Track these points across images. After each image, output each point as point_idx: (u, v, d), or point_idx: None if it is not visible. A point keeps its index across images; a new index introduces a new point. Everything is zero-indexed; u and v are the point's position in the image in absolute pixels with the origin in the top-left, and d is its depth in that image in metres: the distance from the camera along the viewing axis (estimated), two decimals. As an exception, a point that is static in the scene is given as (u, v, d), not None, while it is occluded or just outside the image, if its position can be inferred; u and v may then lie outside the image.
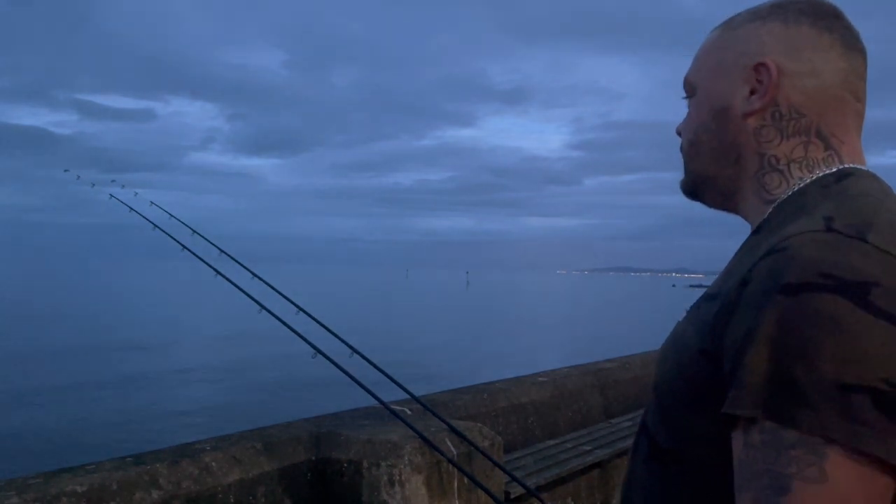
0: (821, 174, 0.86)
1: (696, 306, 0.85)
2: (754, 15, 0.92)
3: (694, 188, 0.98)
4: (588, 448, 4.94)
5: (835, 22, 0.89)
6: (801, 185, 0.86)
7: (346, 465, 3.37)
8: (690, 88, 0.97)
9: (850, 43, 0.89)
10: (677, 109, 1.01)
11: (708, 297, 0.82)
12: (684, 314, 0.88)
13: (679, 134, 1.00)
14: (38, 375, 18.75)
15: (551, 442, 5.09)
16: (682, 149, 0.99)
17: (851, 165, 0.86)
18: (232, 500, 3.05)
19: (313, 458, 3.43)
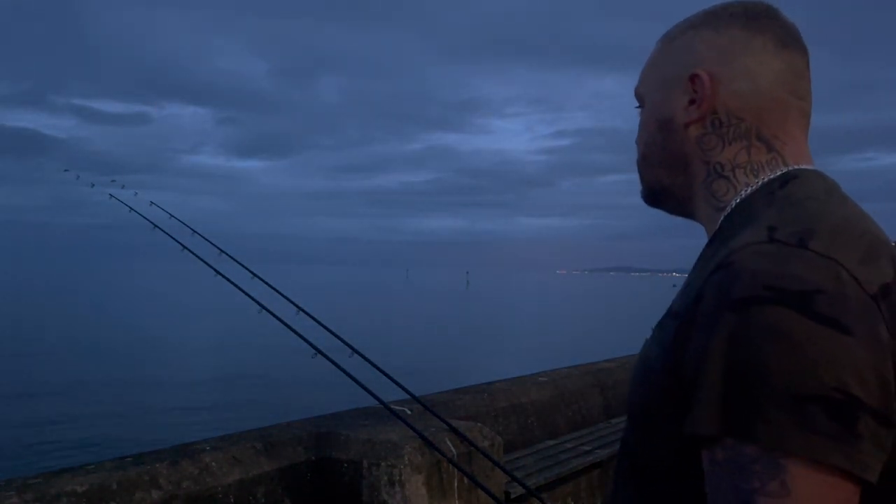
0: (766, 179, 0.85)
1: (661, 325, 0.84)
2: (689, 25, 0.93)
3: (652, 197, 1.00)
4: (588, 448, 4.94)
5: (767, 22, 0.88)
6: (749, 191, 0.86)
7: (346, 465, 3.37)
8: (640, 100, 0.98)
9: (785, 41, 0.88)
10: (631, 117, 1.08)
11: (670, 315, 0.82)
12: (651, 332, 0.87)
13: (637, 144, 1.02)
14: (38, 375, 18.75)
15: (551, 442, 5.09)
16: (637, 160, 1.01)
17: (796, 167, 0.86)
18: (232, 500, 3.05)
19: (313, 458, 3.43)
